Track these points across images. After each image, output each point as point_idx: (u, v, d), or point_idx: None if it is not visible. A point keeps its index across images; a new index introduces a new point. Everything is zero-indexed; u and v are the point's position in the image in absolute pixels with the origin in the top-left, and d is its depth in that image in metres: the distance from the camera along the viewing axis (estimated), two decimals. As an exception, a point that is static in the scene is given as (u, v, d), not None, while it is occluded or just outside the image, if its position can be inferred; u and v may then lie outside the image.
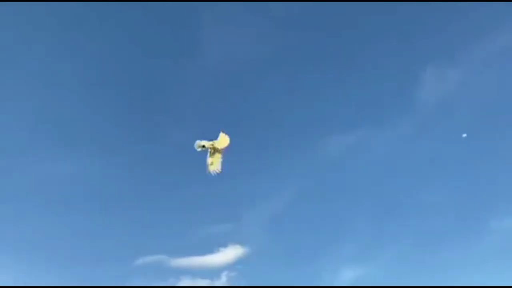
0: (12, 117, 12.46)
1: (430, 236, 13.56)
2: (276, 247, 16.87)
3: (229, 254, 17.19)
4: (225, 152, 3.47)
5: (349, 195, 16.15)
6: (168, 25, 13.31)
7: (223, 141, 3.44)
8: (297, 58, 14.83)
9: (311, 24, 13.86)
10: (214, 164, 3.42)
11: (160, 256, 15.78)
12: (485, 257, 12.37)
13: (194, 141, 3.31)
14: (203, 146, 3.38)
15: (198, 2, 12.52)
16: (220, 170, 3.40)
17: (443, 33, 12.87)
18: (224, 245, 17.13)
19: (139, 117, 14.34)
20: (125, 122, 14.26)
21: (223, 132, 3.49)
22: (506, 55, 12.74)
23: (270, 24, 13.60)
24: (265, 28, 13.63)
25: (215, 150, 3.43)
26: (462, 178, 13.43)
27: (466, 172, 13.56)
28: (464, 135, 12.65)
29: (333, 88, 14.79)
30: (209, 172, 3.42)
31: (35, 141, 13.63)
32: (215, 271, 16.73)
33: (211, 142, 3.41)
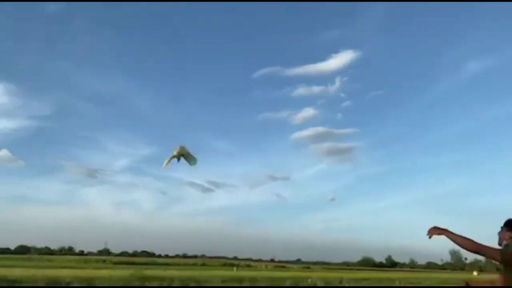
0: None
1: None
2: (390, 50, 16.47)
3: (341, 59, 17.20)
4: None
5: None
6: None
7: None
8: None
9: None
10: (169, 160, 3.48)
11: (276, 67, 16.23)
12: None
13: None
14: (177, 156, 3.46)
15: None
16: (165, 165, 3.44)
17: None
18: (336, 51, 17.25)
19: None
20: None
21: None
22: None
23: None
24: None
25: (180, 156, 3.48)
26: None
27: None
28: None
29: None
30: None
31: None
32: (328, 77, 17.05)
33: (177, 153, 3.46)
